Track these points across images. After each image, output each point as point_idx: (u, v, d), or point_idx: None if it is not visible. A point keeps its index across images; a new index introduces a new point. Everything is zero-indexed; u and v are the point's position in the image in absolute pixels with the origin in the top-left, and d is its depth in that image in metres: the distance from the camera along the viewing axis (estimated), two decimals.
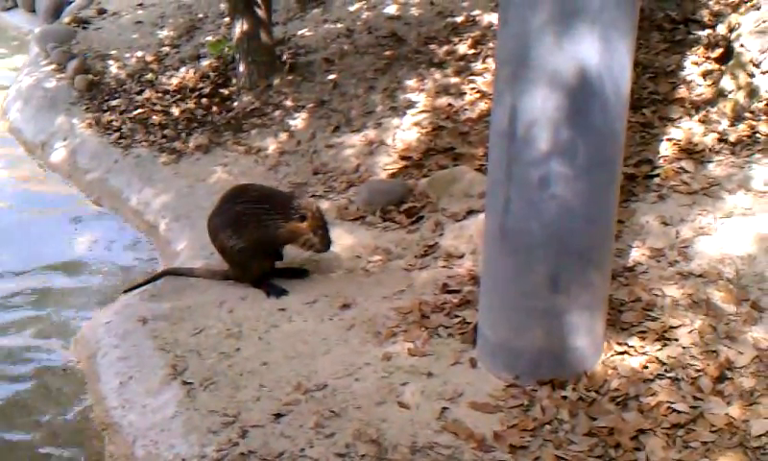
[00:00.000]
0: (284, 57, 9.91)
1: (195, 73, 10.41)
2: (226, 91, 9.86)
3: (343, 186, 7.51)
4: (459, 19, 9.50)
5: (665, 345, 4.80)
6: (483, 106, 7.89)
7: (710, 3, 7.83)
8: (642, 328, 4.94)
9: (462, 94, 8.22)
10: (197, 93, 9.95)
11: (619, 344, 4.86)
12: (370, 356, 5.12)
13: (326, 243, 6.03)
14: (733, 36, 6.86)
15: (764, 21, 6.65)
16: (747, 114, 6.45)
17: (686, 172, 6.17)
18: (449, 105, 8.11)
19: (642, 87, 7.15)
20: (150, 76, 10.74)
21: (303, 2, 11.27)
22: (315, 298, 5.90)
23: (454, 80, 8.45)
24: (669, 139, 6.57)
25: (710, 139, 6.42)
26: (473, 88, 8.23)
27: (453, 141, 7.56)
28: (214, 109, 9.57)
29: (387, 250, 6.42)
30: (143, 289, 6.34)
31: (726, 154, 6.25)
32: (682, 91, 7.06)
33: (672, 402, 4.42)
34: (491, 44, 8.66)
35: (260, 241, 5.97)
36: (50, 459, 4.95)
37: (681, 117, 6.78)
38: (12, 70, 12.95)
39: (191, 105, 9.74)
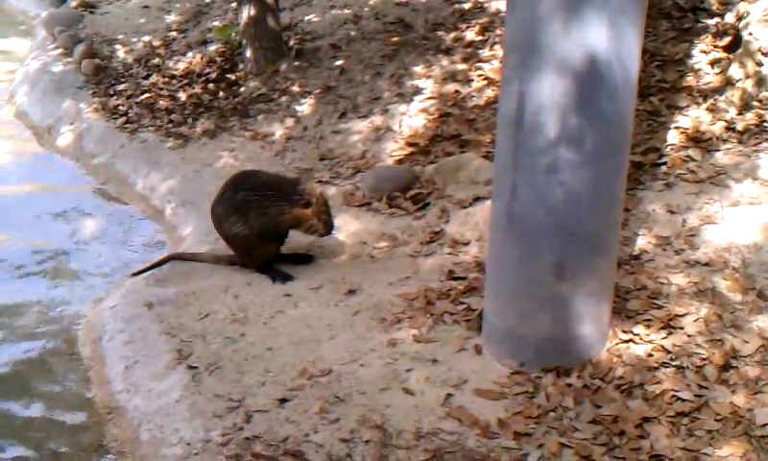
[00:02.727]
0: (291, 42, 9.90)
1: (202, 58, 10.40)
2: (232, 76, 9.85)
3: (349, 172, 7.51)
4: (467, 6, 9.48)
5: (671, 333, 4.79)
6: (490, 92, 7.88)
7: None
8: (648, 317, 4.93)
9: (469, 81, 8.21)
10: (204, 78, 9.95)
11: (625, 332, 4.86)
12: (375, 342, 5.13)
13: (329, 227, 6.03)
14: (742, 24, 6.83)
15: None
16: (755, 103, 6.43)
17: (693, 160, 6.16)
18: (456, 91, 8.10)
19: (650, 75, 7.13)
20: (157, 61, 10.73)
21: None
22: (320, 283, 5.91)
23: (461, 66, 8.43)
24: (677, 127, 6.55)
25: (718, 128, 6.40)
26: (481, 75, 8.21)
27: (460, 128, 7.55)
28: (221, 94, 9.57)
29: (393, 236, 6.42)
30: (149, 274, 6.35)
31: (733, 142, 6.23)
32: (689, 79, 7.04)
33: (677, 391, 4.42)
34: (498, 31, 8.64)
35: (265, 227, 5.97)
36: (53, 444, 4.96)
37: (688, 105, 6.76)
38: (14, 56, 12.95)
39: (198, 90, 9.73)
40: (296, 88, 9.10)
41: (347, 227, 6.54)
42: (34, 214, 7.89)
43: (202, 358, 5.12)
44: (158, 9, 12.55)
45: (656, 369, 4.60)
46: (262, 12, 9.38)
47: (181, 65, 10.41)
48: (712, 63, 7.09)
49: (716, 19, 7.47)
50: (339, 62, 9.23)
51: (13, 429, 5.05)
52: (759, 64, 6.44)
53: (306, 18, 10.61)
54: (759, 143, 6.12)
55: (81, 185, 8.70)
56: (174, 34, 11.55)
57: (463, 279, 5.69)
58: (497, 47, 8.40)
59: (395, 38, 9.28)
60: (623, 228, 5.37)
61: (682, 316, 4.89)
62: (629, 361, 4.67)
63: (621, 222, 4.86)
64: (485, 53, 8.52)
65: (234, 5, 10.56)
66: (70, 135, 9.59)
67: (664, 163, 6.23)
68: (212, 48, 10.57)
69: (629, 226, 5.68)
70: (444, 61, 8.58)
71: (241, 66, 9.90)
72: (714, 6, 7.65)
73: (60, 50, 11.70)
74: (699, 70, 7.10)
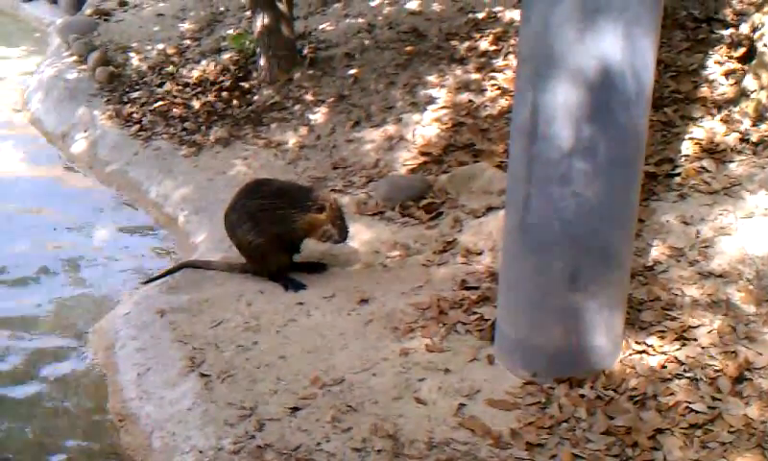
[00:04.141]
0: (305, 51, 9.91)
1: (216, 66, 10.43)
2: (246, 85, 9.88)
3: (362, 181, 7.51)
4: (480, 15, 9.48)
5: (684, 344, 4.78)
6: (504, 102, 7.87)
7: (734, 2, 7.78)
8: (661, 328, 4.92)
9: (482, 90, 8.20)
10: (217, 86, 9.98)
11: (638, 343, 4.84)
12: (387, 352, 5.12)
13: (344, 233, 6.04)
14: (757, 35, 6.81)
15: None
16: None
17: (708, 171, 6.14)
18: (470, 101, 8.09)
19: (664, 86, 7.12)
20: (171, 68, 10.77)
21: None
22: (333, 292, 5.91)
23: (475, 76, 8.43)
24: (691, 138, 6.54)
25: (732, 139, 6.38)
26: (494, 85, 8.21)
27: (473, 137, 7.54)
28: (234, 102, 9.59)
29: (406, 245, 6.42)
30: (161, 281, 6.36)
31: (747, 154, 6.21)
32: (704, 90, 7.02)
33: (690, 402, 4.41)
34: (512, 40, 8.63)
35: (279, 235, 5.97)
36: (65, 450, 4.96)
37: (702, 116, 6.74)
38: (29, 64, 13.01)
39: (211, 98, 9.76)
40: (309, 97, 9.11)
41: (359, 236, 6.54)
42: (47, 221, 7.91)
43: (214, 366, 5.12)
44: (173, 17, 12.60)
45: (669, 380, 4.58)
46: (276, 21, 9.40)
47: (195, 73, 10.44)
48: (727, 74, 7.07)
49: (731, 30, 7.46)
50: (352, 71, 9.24)
51: (26, 436, 5.05)
52: None
53: (320, 27, 10.64)
54: None
55: (94, 193, 8.72)
56: (188, 42, 11.60)
57: (476, 288, 5.69)
58: (511, 57, 8.39)
59: (408, 48, 9.29)
60: (637, 238, 5.36)
61: (695, 327, 4.88)
62: (642, 372, 4.65)
63: (635, 233, 4.85)
64: (498, 62, 8.52)
65: (248, 13, 10.58)
66: (84, 143, 9.61)
67: (678, 174, 6.21)
68: (226, 56, 10.60)
69: (642, 236, 5.66)
70: (458, 71, 8.58)
71: (255, 75, 9.93)
72: (729, 17, 7.63)
73: (74, 57, 11.77)
74: (713, 81, 7.08)
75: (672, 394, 4.49)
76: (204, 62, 10.66)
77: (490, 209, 6.50)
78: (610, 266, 4.51)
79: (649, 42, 4.14)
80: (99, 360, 5.70)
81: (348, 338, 5.31)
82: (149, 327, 5.70)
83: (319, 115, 8.76)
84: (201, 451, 4.45)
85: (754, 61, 6.69)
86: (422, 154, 7.63)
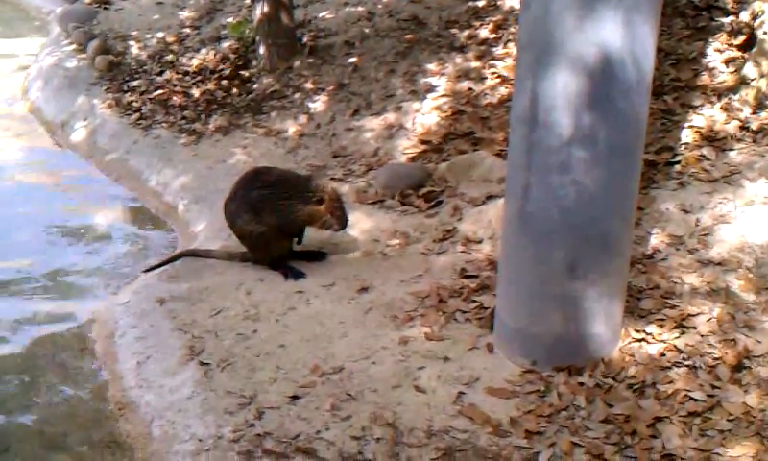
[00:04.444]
0: (305, 39, 9.90)
1: (215, 55, 10.41)
2: (246, 73, 9.86)
3: (362, 170, 7.50)
4: (480, 3, 9.46)
5: (683, 333, 4.78)
6: (503, 90, 7.86)
7: None
8: (660, 316, 4.92)
9: (482, 79, 8.19)
10: (217, 75, 9.96)
11: (637, 331, 4.84)
12: (387, 340, 5.12)
13: (344, 222, 6.03)
14: (757, 23, 6.80)
15: None
16: None
17: (707, 159, 6.14)
18: (470, 89, 8.08)
19: (664, 74, 7.10)
20: (170, 57, 10.75)
21: None
22: (333, 281, 5.91)
23: (475, 64, 8.41)
24: (691, 126, 6.53)
25: (732, 127, 6.37)
26: (494, 73, 8.20)
27: (473, 126, 7.53)
28: (234, 90, 9.58)
29: (405, 234, 6.42)
30: (161, 270, 6.36)
31: (747, 142, 6.21)
32: (704, 78, 7.01)
33: (689, 390, 4.41)
34: (512, 28, 8.62)
35: (279, 225, 5.97)
36: (65, 439, 4.96)
37: (702, 104, 6.73)
38: (29, 52, 12.99)
39: (211, 86, 9.75)
40: (309, 85, 9.10)
41: (359, 224, 6.54)
42: (47, 209, 7.90)
43: (214, 355, 5.12)
44: (172, 5, 12.57)
45: (668, 368, 4.58)
46: (276, 9, 9.39)
47: (195, 62, 10.43)
48: (727, 62, 7.06)
49: (731, 18, 7.44)
50: (352, 60, 9.23)
51: (26, 424, 5.05)
52: None
53: (320, 15, 10.62)
54: None
55: (94, 181, 8.71)
56: (187, 30, 11.57)
57: (475, 277, 5.69)
58: (511, 45, 8.38)
59: (408, 36, 9.27)
60: (636, 227, 5.36)
61: (694, 316, 4.88)
62: (641, 360, 4.66)
63: (634, 221, 4.84)
64: (498, 51, 8.51)
65: (248, 1, 10.56)
66: (83, 131, 9.61)
67: (678, 162, 6.21)
68: (226, 45, 10.58)
69: (642, 225, 5.66)
70: (458, 59, 8.57)
71: (254, 63, 9.91)
72: (729, 4, 7.61)
73: (73, 46, 11.75)
74: (713, 69, 7.07)
75: (671, 382, 4.49)
76: (203, 51, 10.64)
77: (489, 198, 6.50)
78: (609, 254, 4.51)
79: (649, 29, 4.13)
80: (99, 349, 5.70)
81: (348, 326, 5.32)
82: (149, 315, 5.71)
83: (318, 104, 8.75)
84: (200, 440, 4.45)
85: (754, 49, 6.68)
86: (422, 142, 7.62)
